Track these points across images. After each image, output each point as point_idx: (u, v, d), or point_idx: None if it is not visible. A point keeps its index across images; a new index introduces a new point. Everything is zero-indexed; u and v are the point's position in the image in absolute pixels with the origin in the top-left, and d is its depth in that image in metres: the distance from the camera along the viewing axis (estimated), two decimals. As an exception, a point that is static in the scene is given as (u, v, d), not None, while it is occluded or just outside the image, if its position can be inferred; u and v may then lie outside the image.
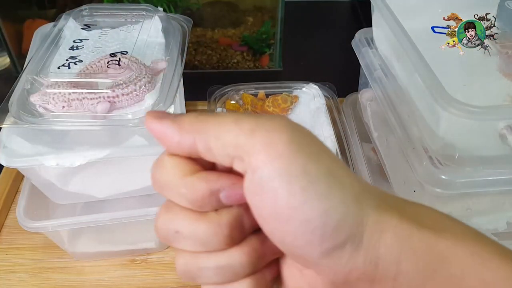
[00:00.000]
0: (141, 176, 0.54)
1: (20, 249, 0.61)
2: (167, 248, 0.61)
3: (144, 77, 0.48)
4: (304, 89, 0.65)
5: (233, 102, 0.62)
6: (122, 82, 0.47)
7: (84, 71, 0.49)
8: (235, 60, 0.90)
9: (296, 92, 0.65)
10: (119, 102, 0.47)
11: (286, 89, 0.65)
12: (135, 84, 0.47)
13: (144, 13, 0.59)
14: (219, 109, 0.62)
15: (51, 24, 0.58)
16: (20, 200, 0.53)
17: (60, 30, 0.56)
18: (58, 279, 0.58)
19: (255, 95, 0.64)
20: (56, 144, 0.48)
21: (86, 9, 0.59)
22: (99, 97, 0.46)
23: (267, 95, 0.63)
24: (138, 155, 0.48)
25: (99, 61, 0.50)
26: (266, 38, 0.88)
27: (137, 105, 0.48)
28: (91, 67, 0.49)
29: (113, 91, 0.46)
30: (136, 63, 0.49)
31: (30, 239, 0.61)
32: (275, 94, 0.63)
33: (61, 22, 0.57)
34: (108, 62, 0.49)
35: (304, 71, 0.93)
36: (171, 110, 0.47)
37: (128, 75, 0.48)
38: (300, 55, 0.96)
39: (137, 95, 0.47)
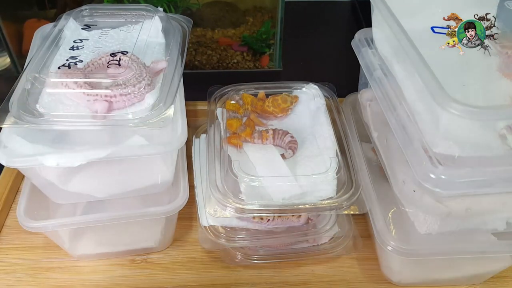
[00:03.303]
0: (141, 176, 0.54)
1: (21, 249, 0.61)
2: (167, 247, 0.62)
3: (144, 79, 0.48)
4: (304, 89, 0.65)
5: (233, 102, 0.62)
6: (121, 83, 0.47)
7: (85, 68, 0.49)
8: (235, 60, 0.90)
9: (296, 92, 0.65)
10: (116, 102, 0.47)
11: (286, 89, 0.65)
12: (134, 86, 0.47)
13: (144, 13, 0.59)
14: (219, 109, 0.62)
15: (52, 24, 0.58)
16: (21, 200, 0.53)
17: (61, 30, 0.56)
18: (58, 279, 0.58)
19: (255, 95, 0.64)
20: (56, 144, 0.48)
21: (86, 9, 0.60)
22: (97, 94, 0.46)
23: (267, 95, 0.63)
24: (138, 155, 0.48)
25: (100, 59, 0.50)
26: (266, 38, 0.88)
27: (137, 104, 0.48)
28: (93, 64, 0.50)
29: (112, 90, 0.46)
30: (136, 62, 0.50)
31: (31, 239, 0.61)
32: (275, 94, 0.63)
33: (61, 22, 0.57)
34: (108, 62, 0.49)
35: (304, 71, 0.93)
36: (171, 110, 0.47)
37: (128, 75, 0.48)
38: (300, 55, 0.96)
39: (135, 96, 0.47)
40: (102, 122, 0.46)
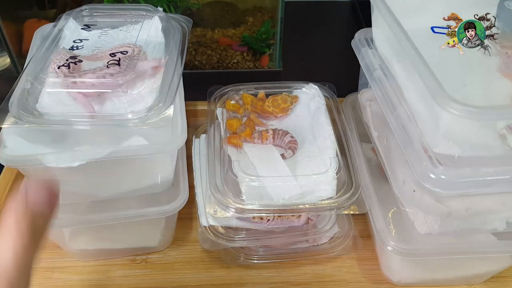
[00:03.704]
0: (141, 176, 0.54)
1: (20, 249, 0.61)
2: (167, 247, 0.62)
3: (134, 77, 0.48)
4: (304, 89, 0.65)
5: (233, 102, 0.62)
6: (112, 78, 0.47)
7: (90, 56, 0.50)
8: (235, 60, 0.90)
9: (296, 92, 0.65)
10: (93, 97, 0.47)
11: (286, 89, 0.65)
12: (123, 84, 0.47)
13: (144, 13, 0.59)
14: (219, 109, 0.62)
15: (51, 24, 0.58)
16: (20, 200, 0.53)
17: (60, 30, 0.56)
18: (58, 279, 0.58)
19: (255, 95, 0.64)
20: (56, 144, 0.48)
21: (86, 9, 0.60)
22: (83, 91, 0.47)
23: (267, 95, 0.63)
24: (138, 155, 0.48)
25: (105, 50, 0.51)
26: (266, 38, 0.88)
27: (137, 104, 0.48)
28: (97, 57, 0.50)
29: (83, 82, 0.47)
30: (135, 61, 0.50)
31: (30, 239, 0.61)
32: (275, 94, 0.63)
33: (61, 22, 0.57)
34: (108, 62, 0.50)
35: (304, 71, 0.93)
36: (171, 110, 0.47)
37: (124, 73, 0.48)
38: (300, 55, 0.96)
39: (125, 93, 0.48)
40: (102, 122, 0.46)
